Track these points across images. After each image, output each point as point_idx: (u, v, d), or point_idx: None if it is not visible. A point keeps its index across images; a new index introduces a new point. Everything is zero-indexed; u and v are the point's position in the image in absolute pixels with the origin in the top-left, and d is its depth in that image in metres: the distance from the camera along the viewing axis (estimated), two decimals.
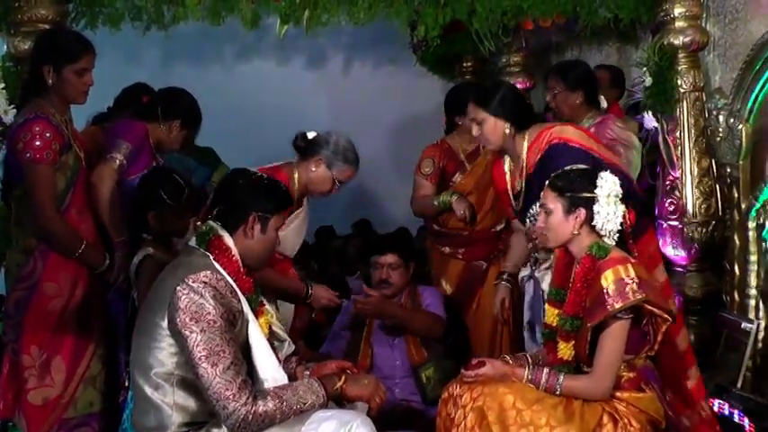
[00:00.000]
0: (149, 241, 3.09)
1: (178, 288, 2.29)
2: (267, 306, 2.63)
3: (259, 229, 2.48)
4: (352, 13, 3.88)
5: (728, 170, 3.56)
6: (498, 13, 4.00)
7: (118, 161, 3.20)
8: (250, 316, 2.42)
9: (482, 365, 2.64)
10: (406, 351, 3.77)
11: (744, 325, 3.35)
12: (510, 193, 3.35)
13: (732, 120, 3.44)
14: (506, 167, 3.38)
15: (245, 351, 2.39)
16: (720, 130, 3.50)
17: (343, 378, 2.47)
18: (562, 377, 2.57)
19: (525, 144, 3.18)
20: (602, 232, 2.63)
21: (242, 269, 2.45)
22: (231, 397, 2.23)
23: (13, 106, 3.50)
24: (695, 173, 3.74)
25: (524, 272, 3.54)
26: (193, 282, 2.29)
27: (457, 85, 4.67)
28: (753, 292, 3.41)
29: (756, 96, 3.43)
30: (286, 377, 2.47)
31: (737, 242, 3.48)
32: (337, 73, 6.31)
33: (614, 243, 2.64)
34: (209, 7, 3.77)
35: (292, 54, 5.90)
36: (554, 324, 2.75)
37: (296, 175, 3.36)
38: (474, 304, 4.12)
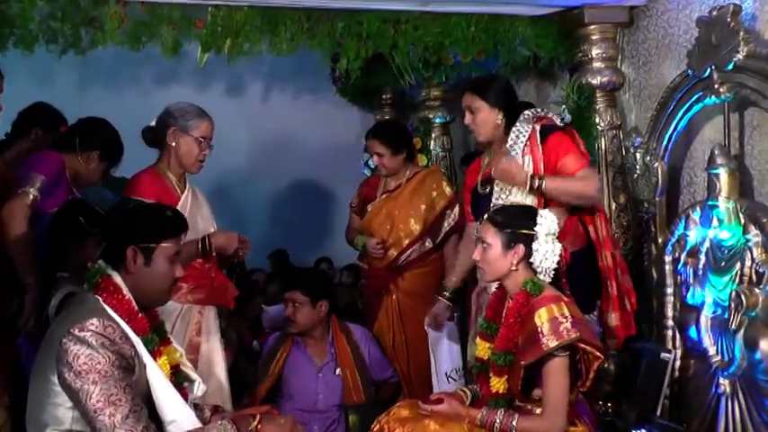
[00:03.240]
0: (67, 279, 2.88)
1: (64, 340, 2.16)
2: (174, 345, 2.51)
3: (142, 262, 2.34)
4: (275, 44, 3.83)
5: (646, 206, 3.66)
6: (420, 48, 4.03)
7: (31, 195, 2.99)
8: (146, 358, 2.30)
9: (440, 402, 2.65)
10: (342, 389, 3.72)
11: (662, 355, 3.44)
12: (479, 186, 3.35)
13: (648, 158, 3.55)
14: (483, 163, 3.41)
15: (147, 394, 2.28)
16: (637, 167, 3.60)
17: (257, 418, 2.38)
18: (516, 419, 2.57)
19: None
20: (539, 269, 2.65)
21: (135, 309, 2.32)
22: None
23: None
24: (613, 208, 3.87)
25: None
26: (80, 331, 2.16)
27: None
28: (669, 323, 3.49)
29: (670, 136, 3.55)
30: (194, 415, 2.38)
31: (655, 275, 3.57)
32: (257, 101, 6.25)
33: (549, 281, 2.67)
34: (130, 33, 3.64)
35: (211, 80, 5.79)
36: (485, 357, 2.75)
37: (162, 165, 3.29)
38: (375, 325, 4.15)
